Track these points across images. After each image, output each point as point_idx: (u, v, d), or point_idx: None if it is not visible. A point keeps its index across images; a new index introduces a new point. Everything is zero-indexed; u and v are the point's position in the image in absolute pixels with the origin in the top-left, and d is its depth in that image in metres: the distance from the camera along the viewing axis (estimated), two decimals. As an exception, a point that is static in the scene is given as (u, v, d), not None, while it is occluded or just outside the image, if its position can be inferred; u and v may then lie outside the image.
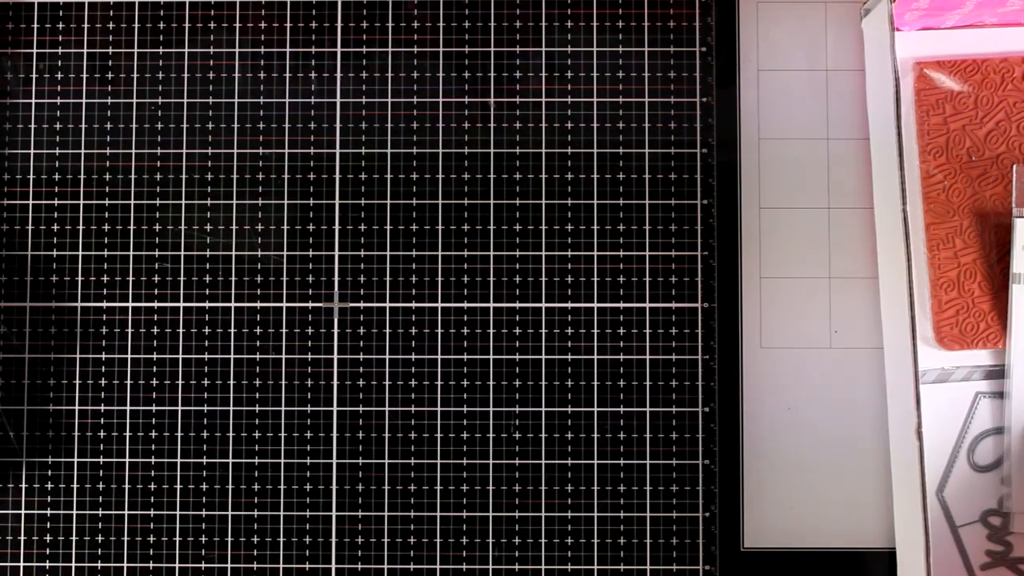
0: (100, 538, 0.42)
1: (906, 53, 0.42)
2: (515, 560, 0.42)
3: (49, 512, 0.42)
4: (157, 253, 0.43)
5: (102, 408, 0.42)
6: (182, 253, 0.43)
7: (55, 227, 0.43)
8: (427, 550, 0.42)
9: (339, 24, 0.43)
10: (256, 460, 0.42)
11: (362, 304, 0.42)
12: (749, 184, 0.43)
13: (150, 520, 0.42)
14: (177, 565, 0.42)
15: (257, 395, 0.42)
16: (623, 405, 0.42)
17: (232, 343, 0.43)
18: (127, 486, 0.42)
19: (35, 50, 0.43)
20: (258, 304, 0.43)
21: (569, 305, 0.43)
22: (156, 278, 0.43)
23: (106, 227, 0.43)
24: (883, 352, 0.42)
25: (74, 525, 0.42)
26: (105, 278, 0.43)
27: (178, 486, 0.42)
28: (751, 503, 0.42)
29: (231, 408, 0.42)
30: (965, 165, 0.41)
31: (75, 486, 0.42)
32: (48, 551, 0.42)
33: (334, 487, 0.42)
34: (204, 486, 0.42)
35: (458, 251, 0.43)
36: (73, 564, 0.42)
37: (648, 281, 0.42)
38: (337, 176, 0.43)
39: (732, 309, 0.43)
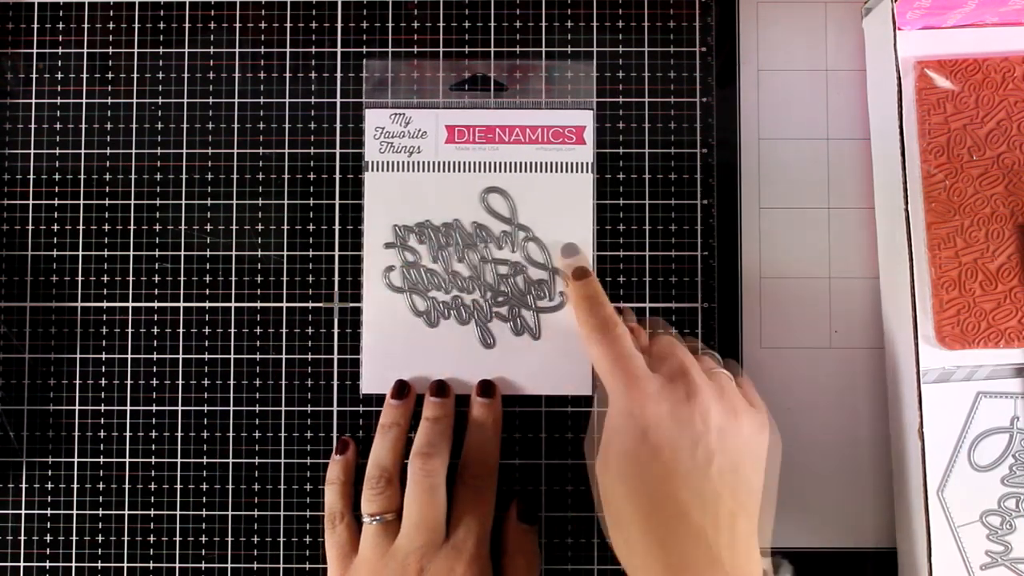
0: (100, 538, 0.42)
1: (907, 52, 0.41)
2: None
3: (49, 512, 0.42)
4: (157, 253, 0.43)
5: (102, 408, 0.42)
6: (182, 253, 0.43)
7: (55, 227, 0.43)
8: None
9: (339, 24, 0.43)
10: (256, 460, 0.42)
11: (362, 304, 0.42)
12: (749, 184, 0.43)
13: (150, 520, 0.42)
14: (177, 565, 0.42)
15: (257, 395, 0.42)
16: (623, 405, 0.42)
17: (232, 343, 0.43)
18: (127, 486, 0.42)
19: (35, 50, 0.43)
20: (258, 304, 0.43)
21: (569, 305, 0.43)
22: (156, 278, 0.43)
23: (106, 227, 0.43)
24: (883, 352, 0.42)
25: (74, 525, 0.42)
26: (105, 278, 0.43)
27: (178, 486, 0.42)
28: (751, 503, 0.42)
29: (231, 408, 0.42)
30: (966, 164, 0.41)
31: (75, 486, 0.42)
32: (48, 551, 0.42)
33: (334, 487, 0.42)
34: (204, 486, 0.42)
35: (458, 251, 0.43)
36: (73, 564, 0.42)
37: (648, 281, 0.42)
38: (337, 176, 0.43)
39: (732, 309, 0.42)
